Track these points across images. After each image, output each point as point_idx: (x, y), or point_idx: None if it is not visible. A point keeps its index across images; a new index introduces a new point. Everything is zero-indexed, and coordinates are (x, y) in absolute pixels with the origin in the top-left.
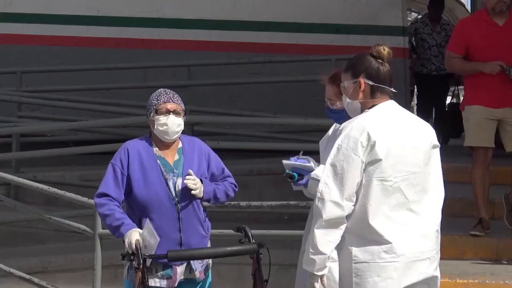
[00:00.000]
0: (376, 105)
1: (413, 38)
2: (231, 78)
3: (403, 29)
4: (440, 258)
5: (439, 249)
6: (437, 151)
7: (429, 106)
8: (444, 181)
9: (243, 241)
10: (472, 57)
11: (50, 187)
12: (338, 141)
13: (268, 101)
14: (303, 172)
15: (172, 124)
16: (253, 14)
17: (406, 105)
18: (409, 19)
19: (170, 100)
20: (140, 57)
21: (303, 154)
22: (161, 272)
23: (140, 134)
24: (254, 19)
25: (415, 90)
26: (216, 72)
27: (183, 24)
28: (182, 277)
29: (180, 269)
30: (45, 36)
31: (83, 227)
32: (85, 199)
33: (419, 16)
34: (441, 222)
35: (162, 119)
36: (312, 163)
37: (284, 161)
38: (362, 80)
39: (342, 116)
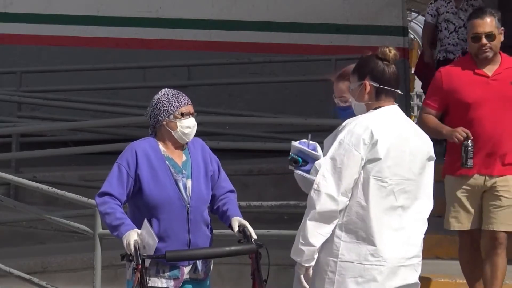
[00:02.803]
0: (380, 107)
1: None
2: (231, 78)
3: (403, 29)
4: (440, 258)
5: (421, 257)
6: (432, 164)
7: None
8: None
9: (242, 241)
10: (452, 113)
11: (50, 187)
12: (340, 136)
13: (268, 101)
14: (308, 159)
15: (193, 126)
16: (253, 14)
17: (406, 105)
18: (409, 19)
19: (189, 103)
20: (140, 57)
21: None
22: (168, 273)
23: (140, 134)
24: (254, 19)
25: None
26: (216, 72)
27: (183, 24)
28: (187, 277)
29: (186, 269)
30: (45, 36)
31: (83, 227)
32: (85, 199)
33: None
34: (441, 222)
35: (187, 121)
36: (319, 151)
37: (293, 143)
38: (367, 83)
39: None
